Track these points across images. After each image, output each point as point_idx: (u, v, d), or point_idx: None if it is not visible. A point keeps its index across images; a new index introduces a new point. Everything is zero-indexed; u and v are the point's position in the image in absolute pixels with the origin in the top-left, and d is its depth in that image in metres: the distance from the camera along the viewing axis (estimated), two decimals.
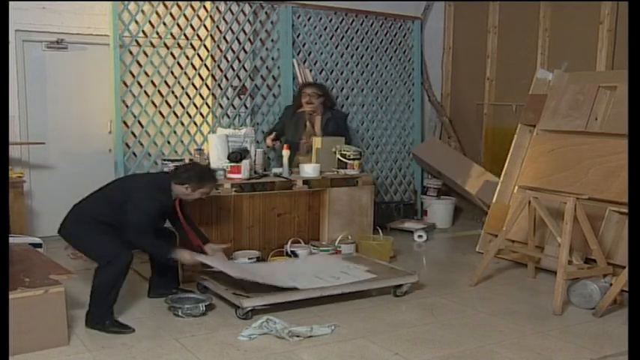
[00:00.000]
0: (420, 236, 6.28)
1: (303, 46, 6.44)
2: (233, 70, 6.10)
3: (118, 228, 3.76)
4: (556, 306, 4.07)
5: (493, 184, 6.06)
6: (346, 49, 6.70)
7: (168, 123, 5.77)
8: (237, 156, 4.78)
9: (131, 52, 5.55)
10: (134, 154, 5.64)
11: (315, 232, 5.20)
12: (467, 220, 7.18)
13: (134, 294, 4.30)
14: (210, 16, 5.92)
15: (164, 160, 4.98)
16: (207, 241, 4.21)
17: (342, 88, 6.73)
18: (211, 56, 5.98)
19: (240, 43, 6.09)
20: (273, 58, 6.28)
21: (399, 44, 7.06)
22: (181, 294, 4.13)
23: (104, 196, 3.91)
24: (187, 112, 5.86)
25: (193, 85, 5.88)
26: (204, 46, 5.93)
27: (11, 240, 3.82)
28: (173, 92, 5.77)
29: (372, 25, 6.84)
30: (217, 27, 5.97)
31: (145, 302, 4.16)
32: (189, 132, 5.89)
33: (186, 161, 4.68)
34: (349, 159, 5.35)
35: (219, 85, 6.04)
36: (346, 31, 6.68)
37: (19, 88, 5.60)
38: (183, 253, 3.87)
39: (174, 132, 5.83)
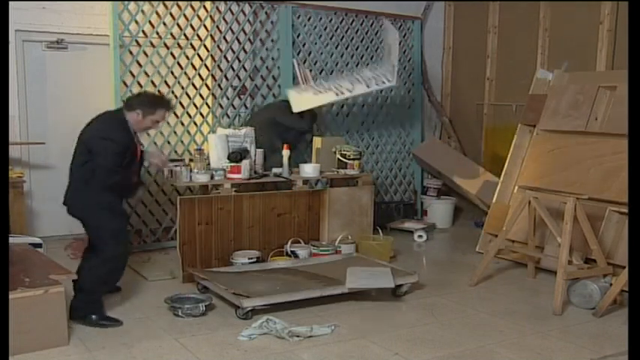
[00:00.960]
0: (420, 236, 6.28)
1: (303, 46, 6.44)
2: (233, 70, 6.10)
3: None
4: (556, 306, 4.07)
5: (493, 184, 6.06)
6: (346, 49, 6.69)
7: (168, 123, 5.74)
8: (237, 156, 4.78)
9: (131, 52, 5.54)
10: None
11: (315, 232, 5.20)
12: (467, 220, 7.18)
13: (134, 294, 4.30)
14: (210, 16, 5.92)
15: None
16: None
17: None
18: (211, 56, 5.98)
19: (240, 43, 6.09)
20: (273, 58, 6.28)
21: (399, 44, 7.05)
22: (181, 294, 4.13)
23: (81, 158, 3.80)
24: (187, 112, 5.86)
25: (193, 85, 5.88)
26: (204, 46, 5.93)
27: (11, 240, 3.82)
28: (173, 92, 5.77)
29: (372, 25, 6.84)
30: (217, 27, 5.97)
31: (145, 302, 4.15)
32: (189, 132, 5.89)
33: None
34: (349, 159, 5.35)
35: (219, 85, 6.04)
36: (346, 31, 6.68)
37: (19, 88, 5.60)
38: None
39: (174, 132, 5.83)
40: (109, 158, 3.66)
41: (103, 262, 3.76)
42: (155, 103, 3.88)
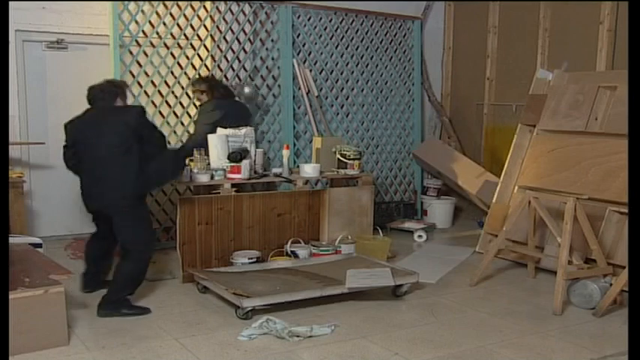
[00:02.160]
0: (420, 236, 6.28)
1: (303, 46, 6.44)
2: (233, 70, 6.10)
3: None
4: (556, 306, 4.07)
5: (493, 184, 6.06)
6: (346, 49, 6.70)
7: (168, 123, 5.77)
8: (237, 156, 4.78)
9: (131, 52, 5.55)
10: None
11: (315, 232, 5.20)
12: (469, 220, 7.18)
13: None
14: (210, 16, 5.92)
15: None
16: None
17: (342, 88, 6.73)
18: (211, 56, 5.99)
19: (240, 43, 6.09)
20: (273, 58, 6.28)
21: (399, 44, 7.07)
22: None
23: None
24: (187, 112, 5.86)
25: None
26: (204, 46, 5.93)
27: (11, 240, 3.82)
28: (173, 92, 5.77)
29: (372, 25, 6.85)
30: (217, 27, 5.97)
31: (145, 302, 4.15)
32: (189, 132, 5.88)
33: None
34: (349, 159, 5.35)
35: None
36: (346, 31, 6.69)
37: (19, 88, 5.60)
38: None
39: (175, 132, 5.83)
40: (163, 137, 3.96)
41: (138, 260, 3.87)
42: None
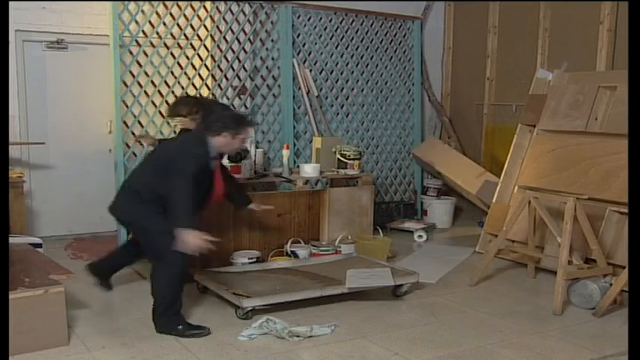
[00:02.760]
0: (420, 236, 6.28)
1: (303, 46, 6.44)
2: (233, 70, 6.10)
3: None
4: (556, 306, 4.07)
5: (493, 184, 6.06)
6: (346, 49, 6.70)
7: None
8: (237, 156, 4.78)
9: (131, 52, 5.54)
10: (134, 154, 5.63)
11: (315, 232, 5.20)
12: (467, 220, 7.18)
13: (134, 294, 4.30)
14: (210, 16, 5.92)
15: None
16: (249, 202, 4.34)
17: (342, 88, 6.73)
18: (211, 56, 5.98)
19: (240, 43, 6.09)
20: (273, 58, 6.28)
21: (399, 44, 7.07)
22: None
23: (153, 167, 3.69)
24: None
25: (193, 85, 5.88)
26: (204, 46, 5.93)
27: (11, 240, 3.82)
28: (173, 92, 5.77)
29: (372, 25, 6.84)
30: (217, 27, 5.97)
31: (145, 302, 4.15)
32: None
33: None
34: (349, 159, 5.36)
35: (219, 85, 6.04)
36: (346, 31, 6.68)
37: (19, 88, 5.60)
38: (190, 234, 3.38)
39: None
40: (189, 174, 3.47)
41: (171, 268, 3.54)
42: (240, 122, 3.75)
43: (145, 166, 3.83)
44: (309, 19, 6.43)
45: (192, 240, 3.39)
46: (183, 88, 5.80)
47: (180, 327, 3.55)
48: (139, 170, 3.83)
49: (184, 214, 3.42)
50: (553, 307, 4.09)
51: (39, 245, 4.37)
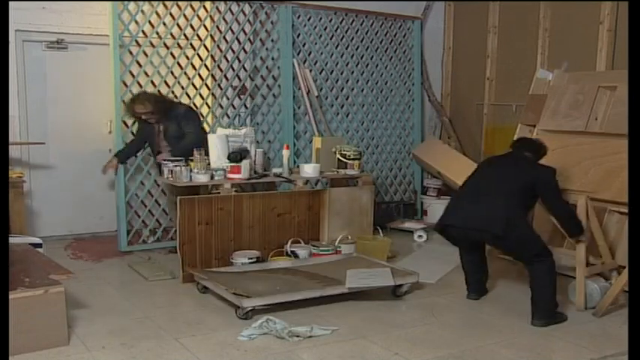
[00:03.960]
0: (420, 236, 6.28)
1: (303, 46, 6.44)
2: (233, 70, 6.10)
3: None
4: (579, 303, 4.14)
5: None
6: (346, 49, 6.70)
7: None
8: (237, 156, 4.78)
9: (131, 52, 5.55)
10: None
11: (315, 232, 5.20)
12: None
13: (134, 294, 4.30)
14: (210, 16, 5.92)
15: (164, 159, 4.98)
16: None
17: (342, 88, 6.73)
18: (211, 56, 5.99)
19: (240, 43, 6.09)
20: (273, 58, 6.28)
21: (399, 44, 7.07)
22: None
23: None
24: None
25: (193, 85, 5.88)
26: (204, 46, 5.93)
27: (11, 240, 3.82)
28: (173, 92, 5.77)
29: (372, 25, 6.84)
30: (217, 27, 5.97)
31: (145, 302, 4.16)
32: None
33: None
34: (349, 159, 5.35)
35: (219, 85, 6.04)
36: (346, 31, 6.69)
37: (19, 88, 5.60)
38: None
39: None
40: None
41: (549, 267, 3.91)
42: None
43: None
44: (309, 19, 6.43)
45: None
46: (183, 88, 5.80)
47: (560, 314, 3.94)
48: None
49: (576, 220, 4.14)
50: (576, 305, 4.15)
51: (39, 245, 4.36)
